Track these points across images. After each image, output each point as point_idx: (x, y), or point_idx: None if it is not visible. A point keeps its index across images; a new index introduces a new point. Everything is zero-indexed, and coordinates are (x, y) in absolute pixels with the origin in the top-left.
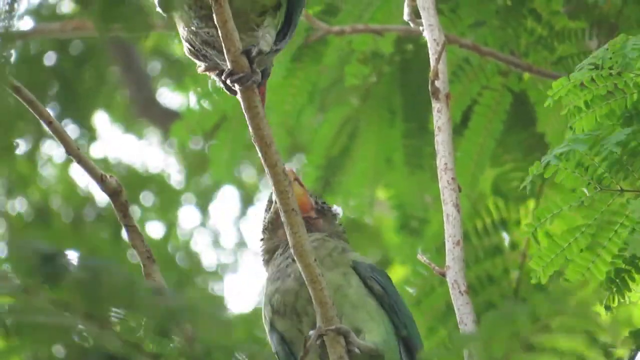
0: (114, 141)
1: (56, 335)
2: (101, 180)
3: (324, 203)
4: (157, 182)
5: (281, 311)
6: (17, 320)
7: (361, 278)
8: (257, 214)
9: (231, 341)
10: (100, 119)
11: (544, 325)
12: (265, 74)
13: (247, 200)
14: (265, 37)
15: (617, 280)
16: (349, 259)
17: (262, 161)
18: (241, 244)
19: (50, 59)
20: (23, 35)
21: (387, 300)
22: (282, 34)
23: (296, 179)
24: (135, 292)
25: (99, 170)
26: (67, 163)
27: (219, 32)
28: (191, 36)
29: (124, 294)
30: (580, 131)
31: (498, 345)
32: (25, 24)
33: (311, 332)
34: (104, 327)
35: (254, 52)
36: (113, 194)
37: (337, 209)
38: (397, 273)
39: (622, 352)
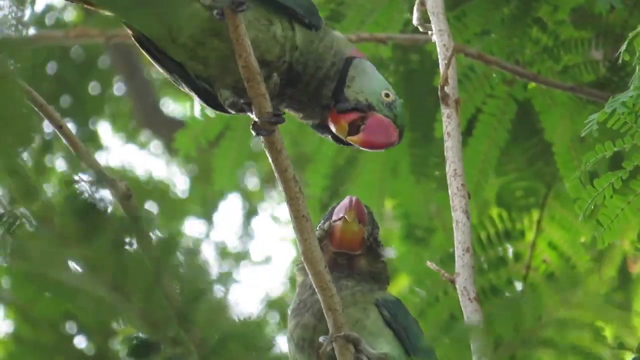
0: (117, 151)
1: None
2: (111, 185)
3: (376, 240)
4: (160, 192)
5: (300, 345)
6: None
7: (379, 311)
8: (261, 224)
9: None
10: (104, 129)
11: (550, 318)
12: None
13: (251, 209)
14: None
15: None
16: (373, 297)
17: (273, 167)
18: (244, 255)
19: (52, 68)
20: (26, 41)
21: (395, 325)
22: None
23: (357, 217)
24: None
25: (108, 175)
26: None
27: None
28: None
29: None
30: None
31: (502, 339)
32: (29, 31)
33: (321, 339)
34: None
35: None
36: (123, 198)
37: (389, 251)
38: (401, 283)
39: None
